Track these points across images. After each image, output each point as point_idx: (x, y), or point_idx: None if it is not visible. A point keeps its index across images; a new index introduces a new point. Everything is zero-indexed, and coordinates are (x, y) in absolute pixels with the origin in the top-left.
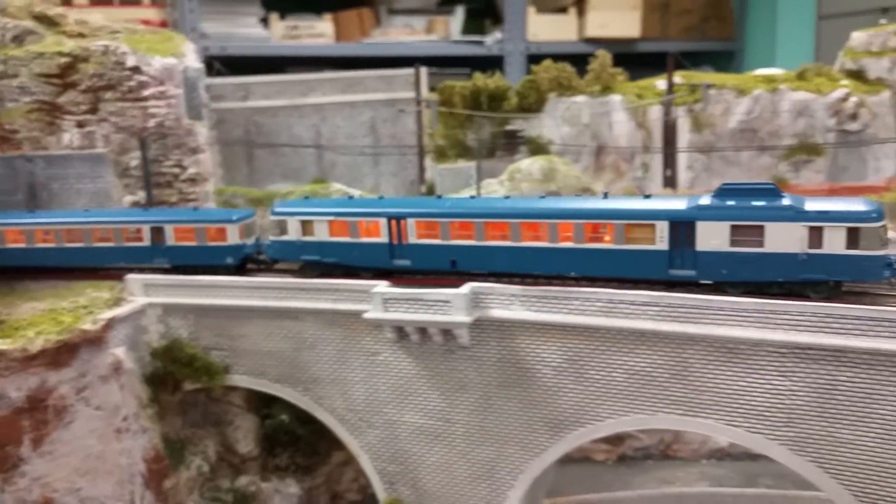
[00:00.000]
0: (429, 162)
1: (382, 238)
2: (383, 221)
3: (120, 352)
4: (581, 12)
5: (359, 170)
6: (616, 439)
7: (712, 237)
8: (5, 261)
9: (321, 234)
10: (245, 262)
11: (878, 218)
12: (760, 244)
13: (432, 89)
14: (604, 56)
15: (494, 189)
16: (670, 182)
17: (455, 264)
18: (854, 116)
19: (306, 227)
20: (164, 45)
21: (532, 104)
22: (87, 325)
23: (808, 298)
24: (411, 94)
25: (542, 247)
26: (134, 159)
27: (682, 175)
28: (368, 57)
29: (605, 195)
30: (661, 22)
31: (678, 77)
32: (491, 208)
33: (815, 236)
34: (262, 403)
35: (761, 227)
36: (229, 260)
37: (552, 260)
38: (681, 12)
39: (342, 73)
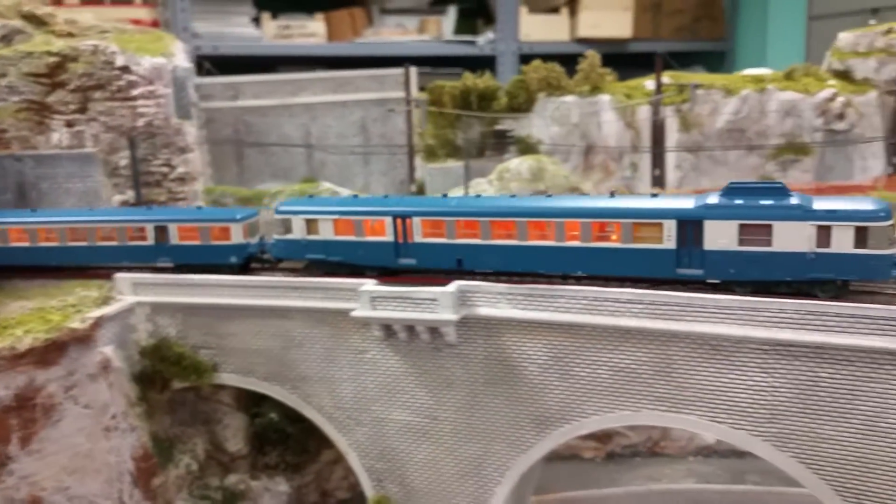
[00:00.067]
0: (419, 161)
1: (388, 237)
2: (389, 220)
3: (108, 350)
4: (573, 12)
5: (349, 169)
6: (604, 437)
7: (720, 236)
8: (8, 260)
9: (326, 232)
10: (249, 262)
11: (886, 217)
12: (768, 243)
13: (422, 89)
14: (593, 56)
15: (484, 188)
16: (659, 181)
17: (461, 263)
18: (841, 116)
19: (311, 225)
20: (153, 45)
21: (522, 104)
22: (76, 324)
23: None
24: (401, 94)
25: (548, 246)
26: (123, 159)
27: (671, 174)
28: (360, 57)
29: (612, 194)
30: (653, 22)
31: (667, 77)
32: (497, 207)
33: (824, 235)
34: (252, 402)
35: (769, 226)
36: (233, 259)
37: (559, 259)
38: (672, 13)
39: (332, 73)
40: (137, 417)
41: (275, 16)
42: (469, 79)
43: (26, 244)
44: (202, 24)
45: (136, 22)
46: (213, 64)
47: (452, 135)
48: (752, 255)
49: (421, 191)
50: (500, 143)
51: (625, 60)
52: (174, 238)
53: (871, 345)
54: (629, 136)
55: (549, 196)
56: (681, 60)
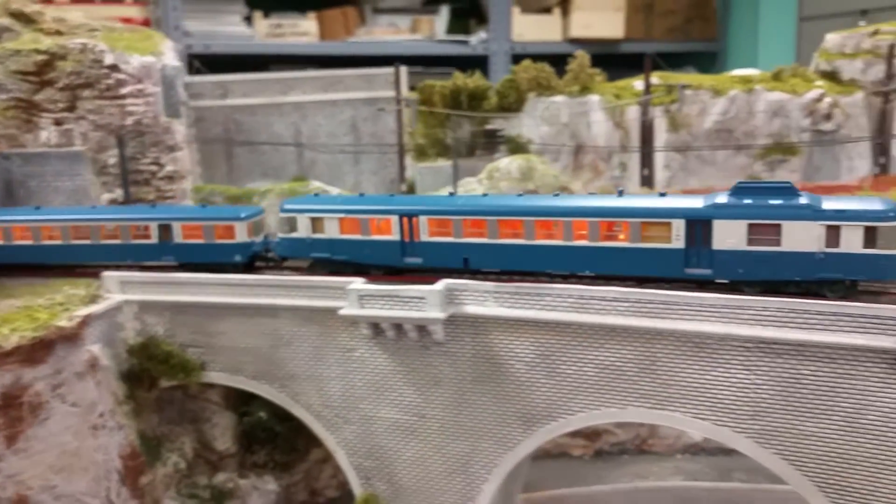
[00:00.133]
0: (409, 161)
1: (394, 236)
2: (395, 219)
3: (96, 349)
4: (565, 13)
5: (339, 168)
6: (593, 434)
7: (729, 236)
8: (12, 258)
9: (331, 231)
10: (254, 260)
11: (895, 217)
12: (777, 243)
13: (413, 88)
14: (582, 56)
15: (473, 188)
16: (647, 181)
17: (467, 262)
18: (828, 117)
19: (316, 224)
20: (142, 44)
21: (512, 104)
22: (63, 322)
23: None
24: (392, 93)
25: (556, 245)
26: (112, 157)
27: (659, 174)
28: (353, 56)
29: (621, 193)
30: (645, 23)
31: (656, 78)
32: (505, 206)
33: (833, 235)
34: (240, 401)
35: (778, 226)
36: (238, 258)
37: (566, 258)
38: (664, 13)
39: (322, 72)
40: (125, 416)
41: (267, 14)
42: (459, 78)
43: (29, 242)
44: (193, 23)
45: (127, 20)
46: (205, 63)
47: (443, 134)
48: (760, 254)
49: (411, 190)
50: (490, 143)
51: (617, 61)
52: (178, 236)
53: (851, 342)
54: (618, 136)
55: (557, 195)
56: (673, 61)
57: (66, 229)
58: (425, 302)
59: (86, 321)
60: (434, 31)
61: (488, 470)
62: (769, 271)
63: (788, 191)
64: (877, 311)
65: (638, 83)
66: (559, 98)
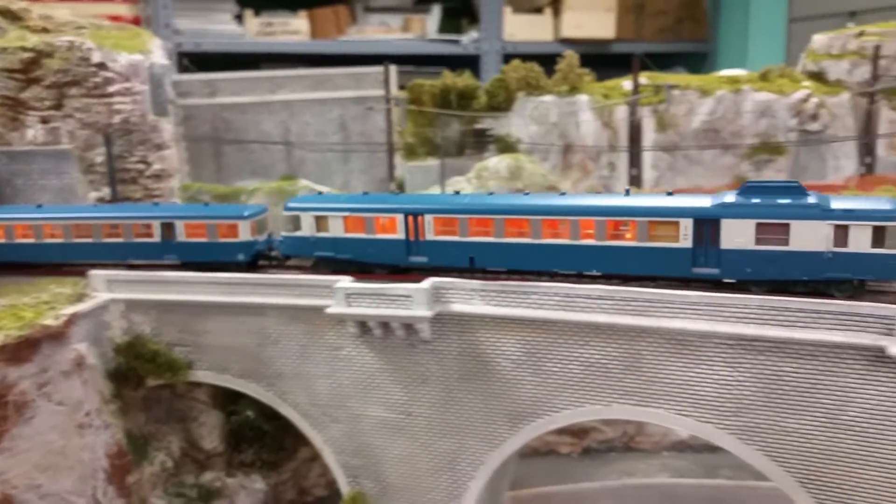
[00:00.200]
0: (398, 159)
1: (399, 234)
2: (400, 217)
3: (82, 347)
4: (557, 13)
5: (328, 167)
6: (580, 432)
7: (737, 235)
8: (13, 256)
9: (336, 229)
10: (257, 259)
11: None
12: (785, 242)
13: (402, 87)
14: (571, 56)
15: (462, 187)
16: (635, 181)
17: (473, 261)
18: (814, 117)
19: (320, 222)
20: (130, 42)
21: (501, 103)
22: (49, 321)
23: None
24: (381, 92)
25: (562, 244)
26: (99, 155)
27: (647, 174)
28: (344, 55)
29: (627, 192)
30: (636, 23)
31: (644, 78)
32: (511, 205)
33: (841, 235)
34: (228, 400)
35: (787, 225)
36: (241, 256)
37: (573, 257)
38: (655, 14)
39: (311, 71)
40: (112, 415)
41: (258, 13)
42: (449, 77)
43: (31, 241)
44: (184, 21)
45: (117, 18)
46: (196, 61)
47: (432, 133)
48: (769, 254)
49: (401, 189)
50: (479, 142)
51: (608, 61)
52: (181, 235)
53: (832, 339)
54: (607, 136)
55: (563, 193)
56: (663, 61)
57: (68, 228)
58: (412, 300)
59: (72, 320)
60: (425, 31)
61: (475, 467)
62: (777, 271)
63: (797, 190)
64: (856, 309)
65: (626, 83)
66: (548, 98)
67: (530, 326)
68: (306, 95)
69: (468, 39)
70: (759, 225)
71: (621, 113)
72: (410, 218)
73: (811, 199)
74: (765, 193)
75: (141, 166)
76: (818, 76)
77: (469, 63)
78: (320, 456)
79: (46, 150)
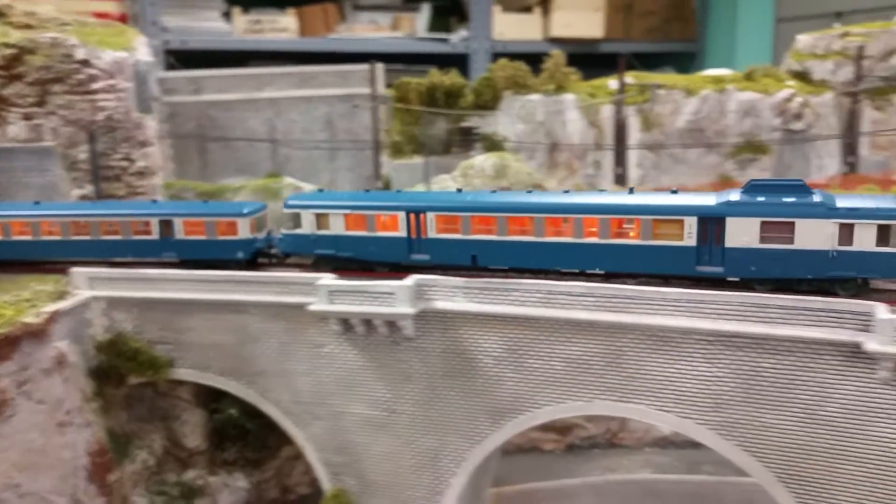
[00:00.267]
0: (385, 157)
1: (400, 232)
2: (402, 215)
3: (63, 345)
4: (546, 12)
5: (314, 165)
6: (564, 429)
7: (742, 233)
8: (11, 254)
9: (336, 227)
10: (256, 257)
11: None
12: (790, 241)
13: (389, 86)
14: (557, 56)
15: (448, 185)
16: (621, 179)
17: (475, 259)
18: (798, 116)
19: (321, 220)
20: (114, 39)
21: (488, 102)
22: (30, 319)
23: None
24: (367, 90)
25: (566, 242)
26: (82, 153)
27: (633, 172)
28: (333, 52)
29: (631, 190)
30: (625, 23)
31: (630, 77)
32: (514, 203)
33: (846, 233)
34: (211, 398)
35: (792, 224)
36: (240, 254)
37: (576, 256)
38: (644, 13)
39: (297, 68)
40: (93, 413)
41: (246, 10)
42: (435, 76)
43: (28, 238)
44: (171, 19)
45: (103, 15)
46: (184, 58)
47: (419, 131)
48: (773, 252)
49: (387, 187)
50: (466, 140)
51: (597, 60)
52: (179, 232)
53: (810, 335)
54: (592, 135)
55: (567, 192)
56: (652, 61)
57: (66, 225)
58: (395, 297)
59: (53, 317)
60: (415, 29)
61: (457, 464)
62: (781, 269)
63: (801, 189)
64: (834, 306)
65: (612, 82)
66: (535, 96)
67: (512, 323)
68: (292, 93)
69: (457, 38)
70: (763, 223)
71: (607, 112)
72: (412, 215)
73: (816, 198)
74: (769, 192)
75: (124, 163)
76: (802, 76)
77: (458, 62)
78: (303, 454)
79: (29, 147)
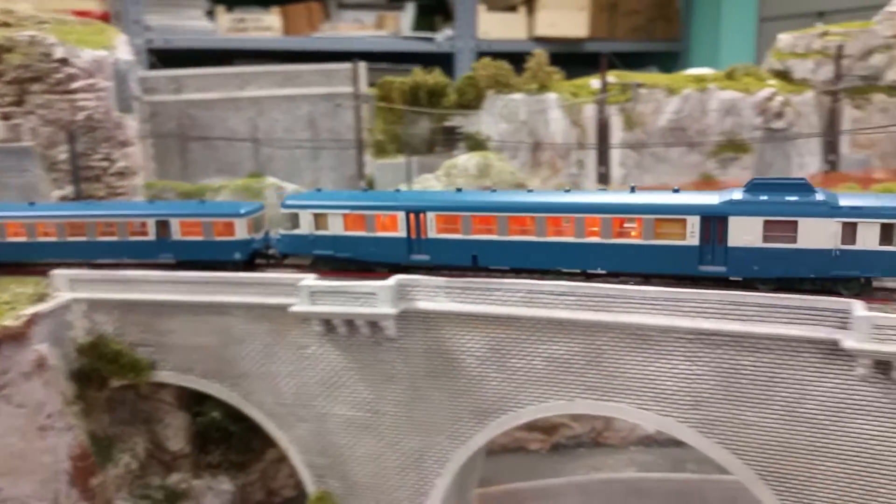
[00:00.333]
0: (368, 157)
1: (400, 232)
2: (401, 215)
3: (43, 348)
4: (531, 11)
5: (297, 164)
6: (549, 428)
7: (745, 233)
8: (5, 255)
9: (335, 227)
10: (254, 258)
11: None
12: (793, 240)
13: (372, 85)
14: (540, 55)
15: (431, 184)
16: (604, 179)
17: (476, 260)
18: (779, 115)
19: (319, 220)
20: (94, 37)
21: (471, 101)
22: (9, 321)
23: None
24: (350, 89)
25: (567, 242)
26: (62, 153)
27: (615, 171)
28: (317, 51)
29: (633, 189)
30: (609, 22)
31: (612, 76)
32: (515, 202)
33: (849, 232)
34: (194, 401)
35: (794, 223)
36: (237, 255)
37: (577, 256)
38: (628, 13)
39: (279, 67)
40: (74, 416)
41: (229, 9)
42: (419, 75)
43: (24, 239)
44: (154, 17)
45: (85, 14)
46: (168, 57)
47: (401, 130)
48: (776, 251)
49: (371, 186)
50: (449, 140)
51: (581, 60)
52: (176, 233)
53: (788, 333)
54: (575, 134)
55: (568, 191)
56: (636, 61)
57: (62, 226)
58: (376, 298)
59: (33, 320)
60: (399, 28)
61: (441, 464)
62: (784, 268)
63: (804, 187)
64: (812, 303)
65: (595, 82)
66: (517, 96)
67: (495, 323)
68: (275, 92)
69: (442, 37)
70: (766, 222)
71: (590, 111)
72: (412, 215)
73: (819, 197)
74: (772, 190)
75: (105, 164)
76: (783, 75)
77: (443, 61)
78: (287, 456)
79: (7, 148)
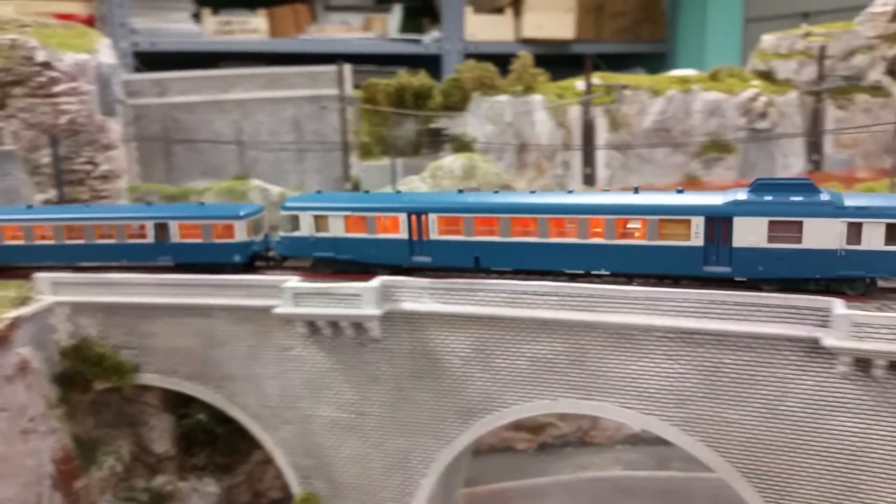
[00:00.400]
0: (354, 159)
1: (402, 234)
2: (403, 217)
3: (26, 351)
4: (517, 13)
5: (282, 166)
6: (537, 428)
7: (750, 233)
8: (2, 259)
9: (336, 229)
10: (254, 260)
11: None
12: (798, 240)
13: (357, 87)
14: (525, 57)
15: (417, 186)
16: (590, 180)
17: (478, 261)
18: (763, 115)
19: (320, 222)
20: (77, 41)
21: (456, 103)
22: None
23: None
24: (335, 92)
25: (570, 243)
26: (45, 156)
27: (601, 172)
28: (304, 53)
29: (636, 190)
30: (596, 24)
31: (597, 78)
32: (517, 203)
33: (854, 232)
34: (179, 403)
35: (800, 223)
36: (237, 258)
37: (581, 257)
38: (614, 14)
39: (264, 69)
40: (58, 419)
41: (216, 11)
42: (404, 77)
43: (21, 242)
44: (140, 20)
45: (69, 17)
46: (154, 60)
47: (387, 132)
48: (781, 252)
49: (356, 188)
50: (435, 141)
51: (568, 61)
52: (175, 236)
53: (769, 331)
54: (561, 135)
55: (571, 191)
56: (623, 62)
57: (60, 229)
58: (361, 299)
59: (15, 323)
60: (387, 30)
61: (426, 464)
62: (789, 269)
63: (808, 187)
64: (792, 302)
65: (580, 83)
66: (503, 97)
67: (479, 323)
68: (259, 94)
69: (430, 39)
70: (771, 223)
71: (575, 113)
72: (414, 217)
73: (824, 197)
74: (777, 191)
75: (88, 167)
76: (767, 75)
77: (430, 63)
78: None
79: None
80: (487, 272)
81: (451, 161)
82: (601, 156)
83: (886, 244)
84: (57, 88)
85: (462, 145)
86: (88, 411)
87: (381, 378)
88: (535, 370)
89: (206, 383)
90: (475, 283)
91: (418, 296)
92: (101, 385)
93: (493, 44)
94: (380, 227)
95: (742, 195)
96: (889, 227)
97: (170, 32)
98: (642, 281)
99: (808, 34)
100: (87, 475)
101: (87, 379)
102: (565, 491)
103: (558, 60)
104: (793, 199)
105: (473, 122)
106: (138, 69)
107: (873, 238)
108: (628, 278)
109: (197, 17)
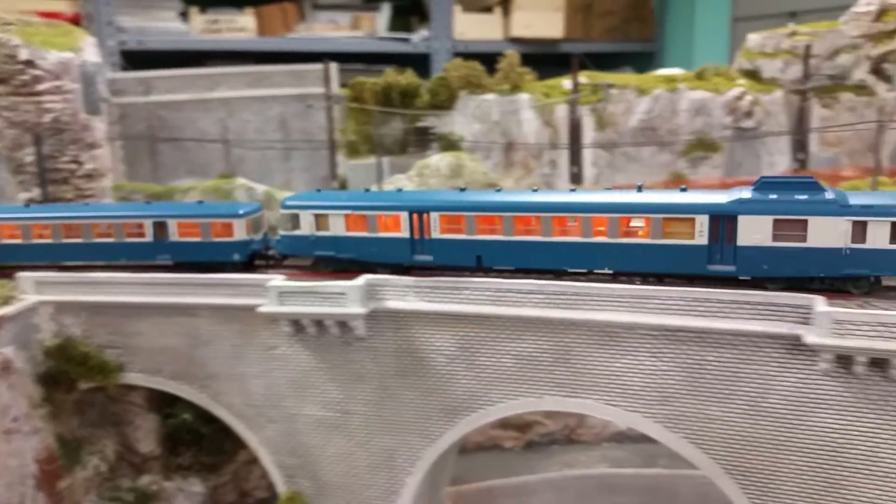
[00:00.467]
0: (341, 157)
1: (403, 233)
2: (404, 215)
3: (8, 351)
4: (506, 12)
5: (268, 165)
6: (523, 426)
7: (754, 231)
8: (1, 258)
9: (336, 228)
10: (253, 259)
11: None
12: (803, 239)
13: (344, 85)
14: (511, 56)
15: (403, 184)
16: (577, 178)
17: (480, 260)
18: (749, 114)
19: (320, 220)
20: (60, 39)
21: (443, 101)
22: None
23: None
24: (321, 90)
25: (573, 242)
26: (28, 155)
27: (588, 171)
28: (292, 52)
29: (640, 188)
30: (584, 23)
31: (584, 77)
32: (520, 202)
33: (859, 231)
34: (164, 402)
35: (804, 222)
36: (236, 256)
37: (584, 255)
38: (603, 14)
39: (250, 68)
40: (41, 419)
41: (203, 10)
42: (391, 75)
43: (19, 241)
44: (127, 19)
45: (54, 15)
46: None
47: (374, 131)
48: (786, 250)
49: (343, 187)
50: (422, 140)
51: (557, 60)
52: (174, 234)
53: (752, 329)
54: (548, 134)
55: (574, 190)
56: (611, 61)
57: (58, 228)
58: (346, 297)
59: None
60: (375, 29)
61: (412, 463)
62: (794, 268)
63: (813, 186)
64: (773, 299)
65: (566, 82)
66: (490, 96)
67: (464, 321)
68: (245, 93)
69: (418, 38)
70: (776, 221)
71: (562, 111)
72: (415, 216)
73: (829, 195)
74: (781, 189)
75: (73, 166)
76: (753, 74)
77: (420, 62)
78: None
79: None
80: (489, 271)
81: (438, 160)
82: (588, 154)
83: (891, 243)
84: (40, 87)
85: (449, 144)
86: (73, 411)
87: (366, 376)
88: (520, 368)
89: (190, 382)
90: (460, 281)
91: (403, 294)
92: (86, 384)
93: (482, 43)
94: (381, 226)
95: (747, 193)
96: (894, 225)
97: (157, 31)
98: (642, 280)
99: (793, 33)
100: (71, 475)
101: (72, 378)
102: (552, 489)
103: (547, 59)
104: (797, 197)
105: (460, 121)
106: (125, 68)
107: (878, 237)
108: (630, 277)
109: (184, 15)
